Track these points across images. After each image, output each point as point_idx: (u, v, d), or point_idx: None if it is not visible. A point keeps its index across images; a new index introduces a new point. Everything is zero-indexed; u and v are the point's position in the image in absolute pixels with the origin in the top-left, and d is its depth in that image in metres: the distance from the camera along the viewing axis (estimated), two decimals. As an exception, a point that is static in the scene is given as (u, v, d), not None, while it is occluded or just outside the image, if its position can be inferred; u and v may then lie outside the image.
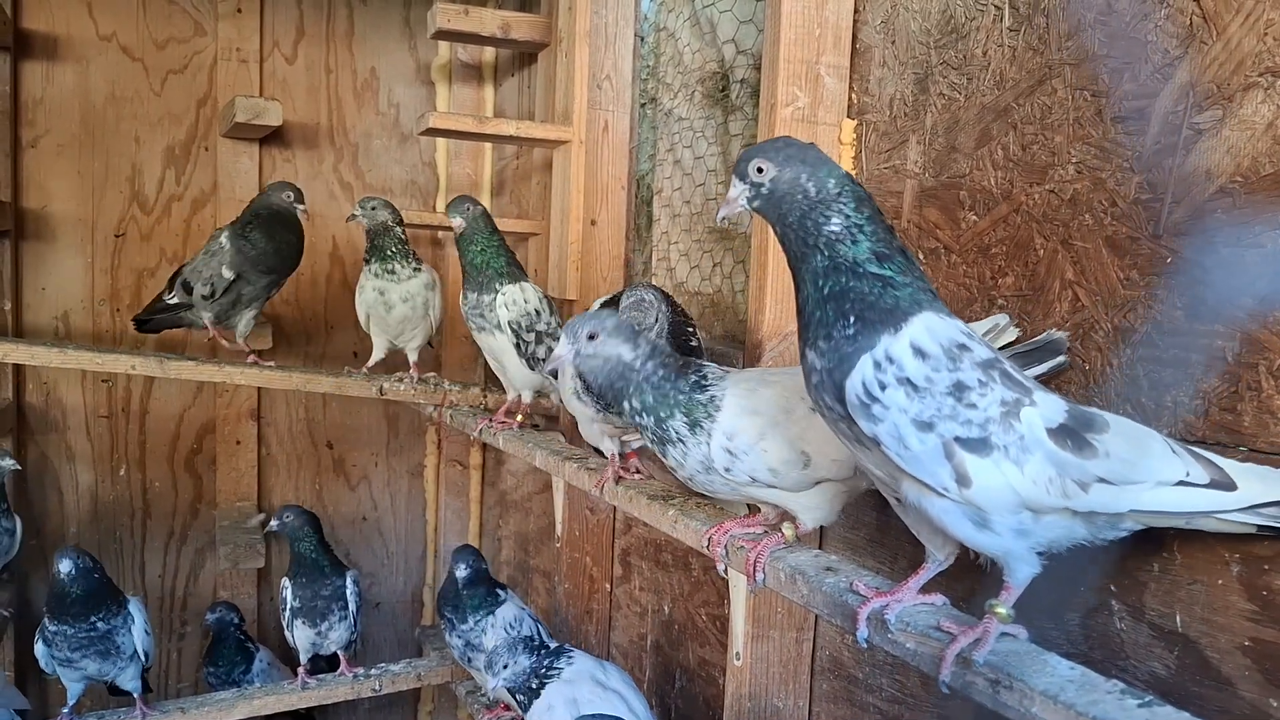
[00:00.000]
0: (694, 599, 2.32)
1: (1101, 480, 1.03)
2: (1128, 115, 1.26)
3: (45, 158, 3.08)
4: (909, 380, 1.01)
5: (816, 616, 1.89)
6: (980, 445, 1.02)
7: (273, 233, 2.60)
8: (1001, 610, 1.06)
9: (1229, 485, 1.03)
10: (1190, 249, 1.18)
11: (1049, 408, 1.04)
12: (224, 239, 2.58)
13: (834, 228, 1.07)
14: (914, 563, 1.62)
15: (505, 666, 1.99)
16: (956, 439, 1.01)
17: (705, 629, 2.28)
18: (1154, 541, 1.20)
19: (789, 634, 1.90)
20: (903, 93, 1.66)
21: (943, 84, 1.57)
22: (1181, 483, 1.04)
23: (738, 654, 1.94)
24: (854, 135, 1.76)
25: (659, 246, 2.54)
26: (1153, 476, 1.04)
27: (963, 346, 1.04)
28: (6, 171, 2.97)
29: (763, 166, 1.11)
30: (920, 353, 1.02)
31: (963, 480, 1.02)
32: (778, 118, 1.75)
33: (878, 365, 1.02)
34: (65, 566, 2.32)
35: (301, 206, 2.63)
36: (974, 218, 1.51)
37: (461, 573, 2.43)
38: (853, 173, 1.77)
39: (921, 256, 1.60)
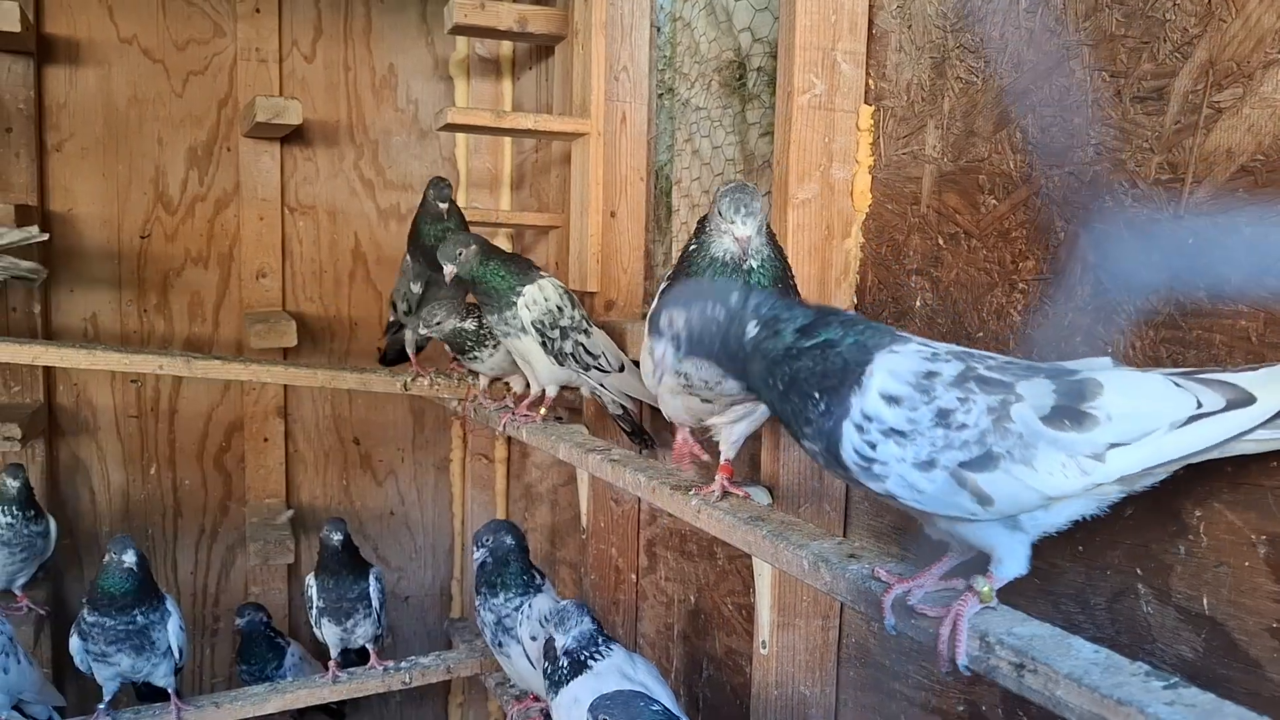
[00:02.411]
0: (720, 588, 2.33)
1: (1114, 445, 1.01)
2: (1147, 95, 1.25)
3: (70, 161, 3.12)
4: (893, 430, 1.02)
5: (842, 604, 1.89)
6: (986, 461, 1.01)
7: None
8: (985, 590, 1.08)
9: (1247, 400, 1.00)
10: (1213, 229, 1.17)
11: (1036, 395, 1.03)
12: (406, 255, 2.65)
13: (753, 332, 1.14)
14: (939, 550, 1.62)
15: (575, 625, 2.00)
16: (961, 464, 1.02)
17: (731, 618, 2.28)
18: (1180, 524, 1.19)
19: (815, 622, 1.90)
20: (920, 78, 1.65)
21: (960, 68, 1.57)
22: (1195, 416, 1.00)
23: (764, 643, 1.95)
24: (871, 121, 1.75)
25: (679, 237, 2.54)
26: (1164, 420, 1.01)
27: (930, 373, 1.05)
28: (33, 176, 3.01)
29: (672, 316, 1.20)
30: (893, 399, 1.03)
31: (984, 500, 1.02)
32: (794, 105, 1.74)
33: (859, 428, 1.04)
34: (130, 557, 2.35)
35: (443, 204, 2.58)
36: (994, 202, 1.50)
37: (477, 555, 2.40)
38: (871, 159, 1.76)
39: (941, 242, 1.60)
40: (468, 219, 3.15)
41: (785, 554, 1.37)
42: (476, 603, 2.47)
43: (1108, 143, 1.30)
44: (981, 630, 1.04)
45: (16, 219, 2.78)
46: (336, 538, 2.67)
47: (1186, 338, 1.20)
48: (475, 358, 2.46)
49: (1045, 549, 1.41)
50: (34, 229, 2.62)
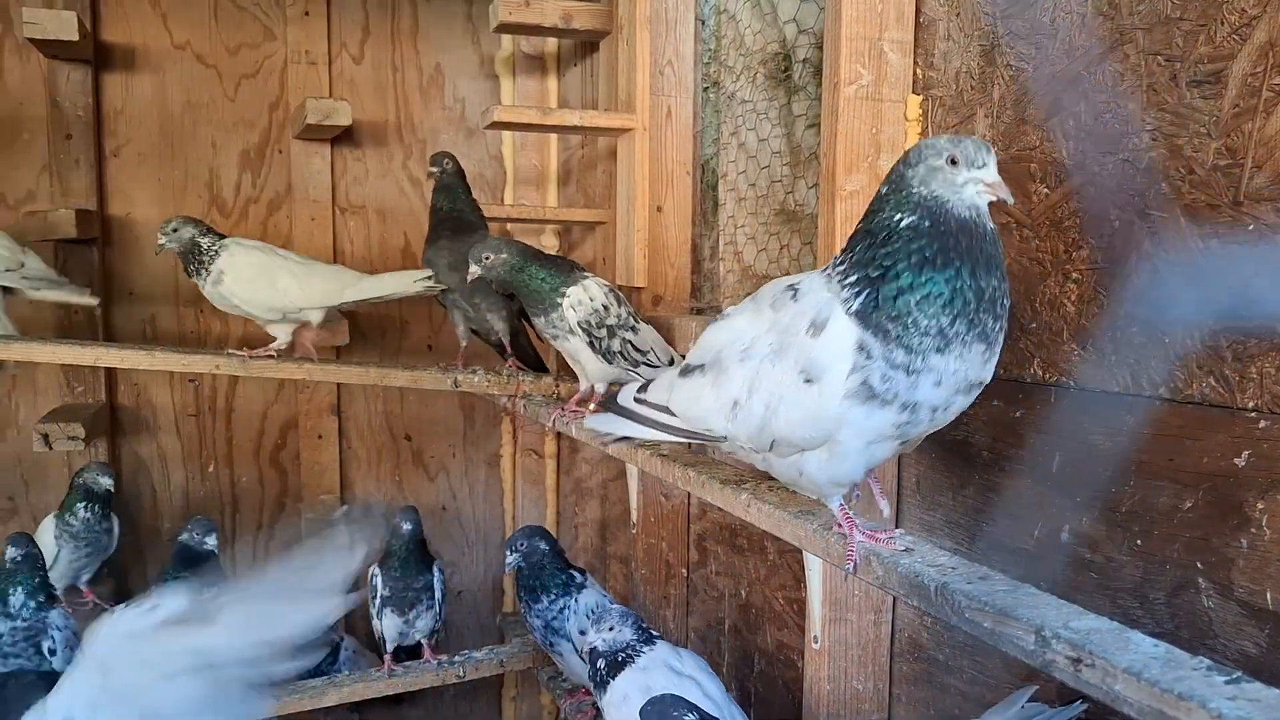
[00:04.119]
0: (770, 583, 2.32)
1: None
2: (1204, 79, 1.22)
3: (128, 166, 3.18)
4: None
5: (894, 598, 1.87)
6: None
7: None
8: None
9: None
10: (1274, 215, 1.15)
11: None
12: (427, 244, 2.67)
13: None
14: (993, 544, 1.60)
15: (611, 629, 2.02)
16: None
17: (783, 613, 2.28)
18: (1242, 516, 1.16)
19: (867, 616, 1.89)
20: (969, 65, 1.63)
21: (1010, 55, 1.54)
22: None
23: (816, 637, 1.94)
24: (919, 111, 1.73)
25: (725, 230, 2.54)
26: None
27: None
28: (92, 181, 3.08)
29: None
30: None
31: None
32: (841, 96, 1.73)
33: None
34: (212, 540, 2.40)
35: (434, 168, 2.63)
36: (1045, 190, 1.48)
37: (509, 559, 2.43)
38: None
39: (992, 232, 1.58)
40: (516, 216, 3.17)
41: (836, 548, 1.36)
42: (522, 609, 2.50)
43: (1164, 128, 1.28)
44: (1037, 624, 1.03)
45: (77, 224, 2.85)
46: (407, 526, 2.71)
47: (1246, 326, 1.17)
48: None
49: (1102, 543, 1.39)
50: (88, 297, 2.82)
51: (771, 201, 2.32)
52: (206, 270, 2.51)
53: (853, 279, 1.20)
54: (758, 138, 2.37)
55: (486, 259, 2.15)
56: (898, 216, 1.18)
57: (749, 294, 2.41)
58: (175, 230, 2.48)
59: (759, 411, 1.31)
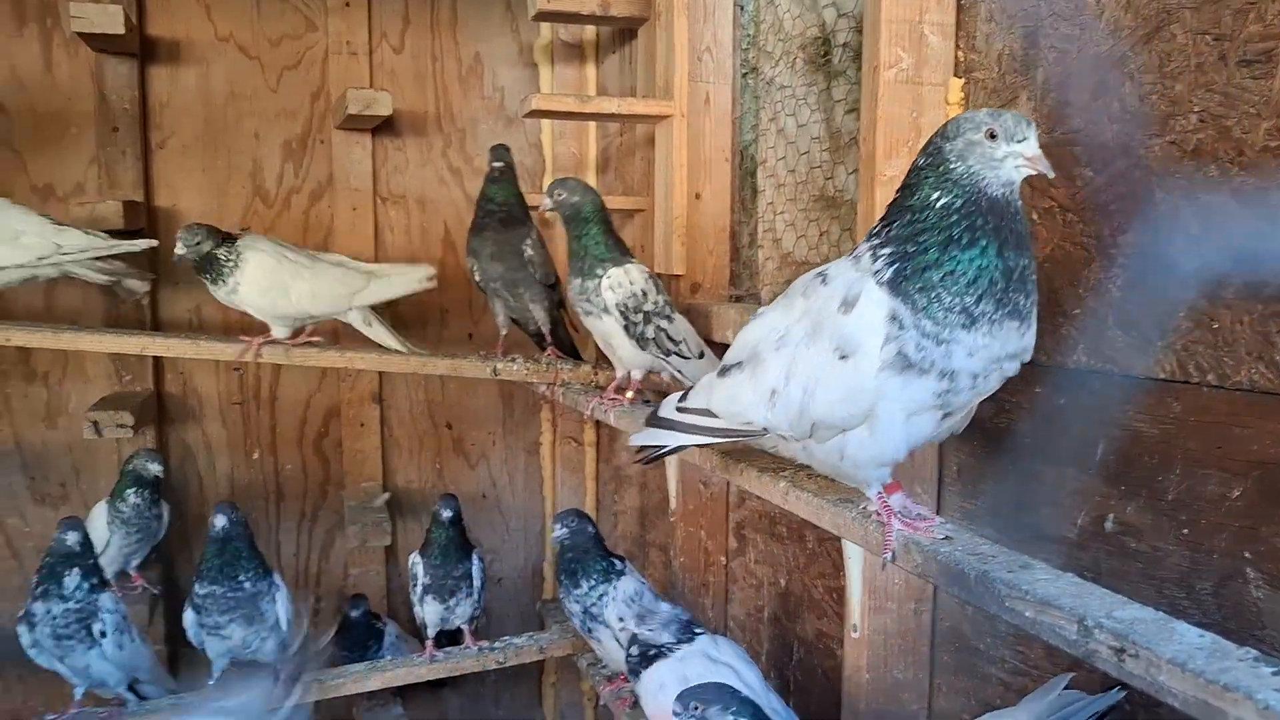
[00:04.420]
0: (810, 571, 2.31)
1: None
2: (1254, 59, 1.19)
3: (173, 158, 3.23)
4: None
5: (935, 587, 1.86)
6: None
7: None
8: None
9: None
10: (1326, 196, 1.12)
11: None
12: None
13: None
14: (1035, 532, 1.58)
15: (651, 631, 2.04)
16: None
17: (822, 601, 2.27)
18: (1291, 506, 1.14)
19: (907, 605, 1.88)
20: (1011, 48, 1.60)
21: (1054, 36, 1.52)
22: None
23: (855, 626, 1.93)
24: (961, 95, 1.71)
25: (764, 217, 2.52)
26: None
27: None
28: (139, 173, 3.12)
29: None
30: None
31: None
32: (881, 80, 1.71)
33: None
34: (220, 520, 2.46)
35: (498, 164, 2.68)
36: (1090, 174, 1.45)
37: (558, 532, 2.45)
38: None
39: (1035, 217, 1.55)
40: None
41: (875, 536, 1.35)
42: (561, 594, 2.51)
43: (1212, 109, 1.25)
44: (1080, 614, 1.02)
45: (124, 215, 2.89)
46: (447, 514, 2.73)
47: (1298, 311, 1.15)
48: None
49: (1147, 532, 1.37)
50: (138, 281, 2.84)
51: (811, 188, 2.30)
52: (224, 281, 2.58)
53: (886, 251, 1.21)
54: (797, 123, 2.35)
55: (559, 195, 2.19)
56: (933, 194, 1.18)
57: (788, 281, 2.41)
58: (198, 243, 2.53)
59: (797, 396, 1.31)
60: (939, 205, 1.17)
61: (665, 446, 1.60)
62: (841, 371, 1.23)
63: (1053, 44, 1.52)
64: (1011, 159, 1.15)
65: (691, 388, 1.59)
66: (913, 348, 1.16)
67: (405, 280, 2.82)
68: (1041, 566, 1.16)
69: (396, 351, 2.80)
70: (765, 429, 1.40)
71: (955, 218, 1.16)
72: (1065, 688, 1.43)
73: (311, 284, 2.65)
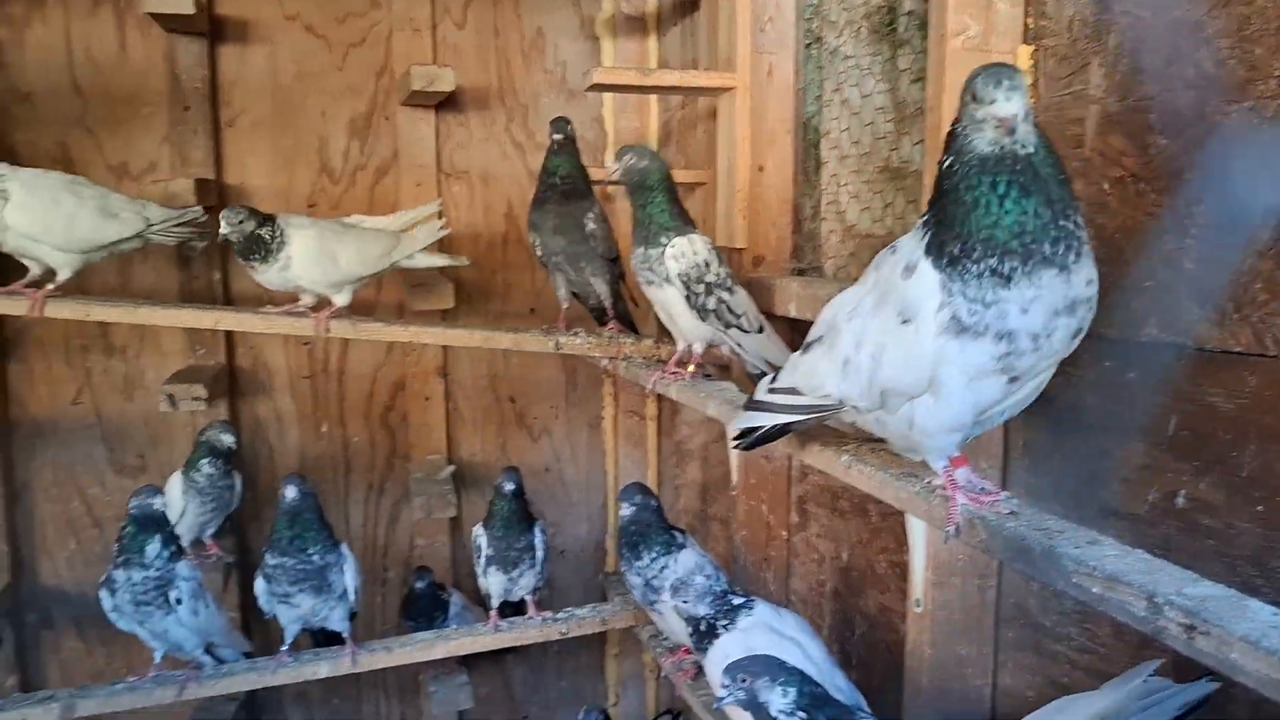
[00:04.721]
0: (873, 546, 2.30)
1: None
2: (1339, 19, 1.15)
3: (242, 136, 3.29)
4: None
5: (1000, 563, 1.84)
6: None
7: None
8: None
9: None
10: None
11: None
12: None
13: None
14: (1104, 509, 1.56)
15: (685, 603, 2.05)
16: None
17: (885, 576, 2.26)
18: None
19: (972, 581, 1.86)
20: (1083, 13, 1.56)
21: (1127, 0, 1.47)
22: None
23: (918, 601, 1.92)
24: (1030, 62, 1.67)
25: (828, 190, 2.50)
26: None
27: None
28: (210, 151, 3.19)
29: None
30: None
31: None
32: (948, 49, 1.68)
33: None
34: (290, 493, 2.52)
35: (558, 136, 2.65)
36: (1164, 142, 1.42)
37: (625, 511, 2.47)
38: (1030, 101, 1.68)
39: (1106, 187, 1.52)
40: (617, 180, 3.17)
41: (938, 511, 1.34)
42: (622, 566, 2.53)
43: (1294, 73, 1.21)
44: (1149, 590, 1.00)
45: (196, 193, 2.96)
46: (509, 487, 2.76)
47: (1383, 282, 1.11)
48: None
49: (1220, 509, 1.34)
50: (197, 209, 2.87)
51: (875, 159, 2.27)
52: (275, 257, 2.58)
53: (922, 220, 1.24)
54: (861, 94, 2.32)
55: (628, 160, 2.19)
56: (945, 160, 1.20)
57: (852, 254, 2.39)
58: (241, 223, 2.55)
59: (867, 364, 1.31)
60: (946, 170, 1.19)
61: (760, 429, 1.60)
62: (904, 336, 1.23)
63: (1126, 8, 1.48)
64: (989, 121, 1.13)
65: (780, 370, 1.59)
66: (965, 312, 1.16)
67: (427, 230, 2.87)
68: (1110, 542, 1.14)
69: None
70: (841, 401, 1.40)
71: (958, 181, 1.16)
72: (1152, 675, 1.39)
73: (356, 247, 2.69)
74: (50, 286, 2.58)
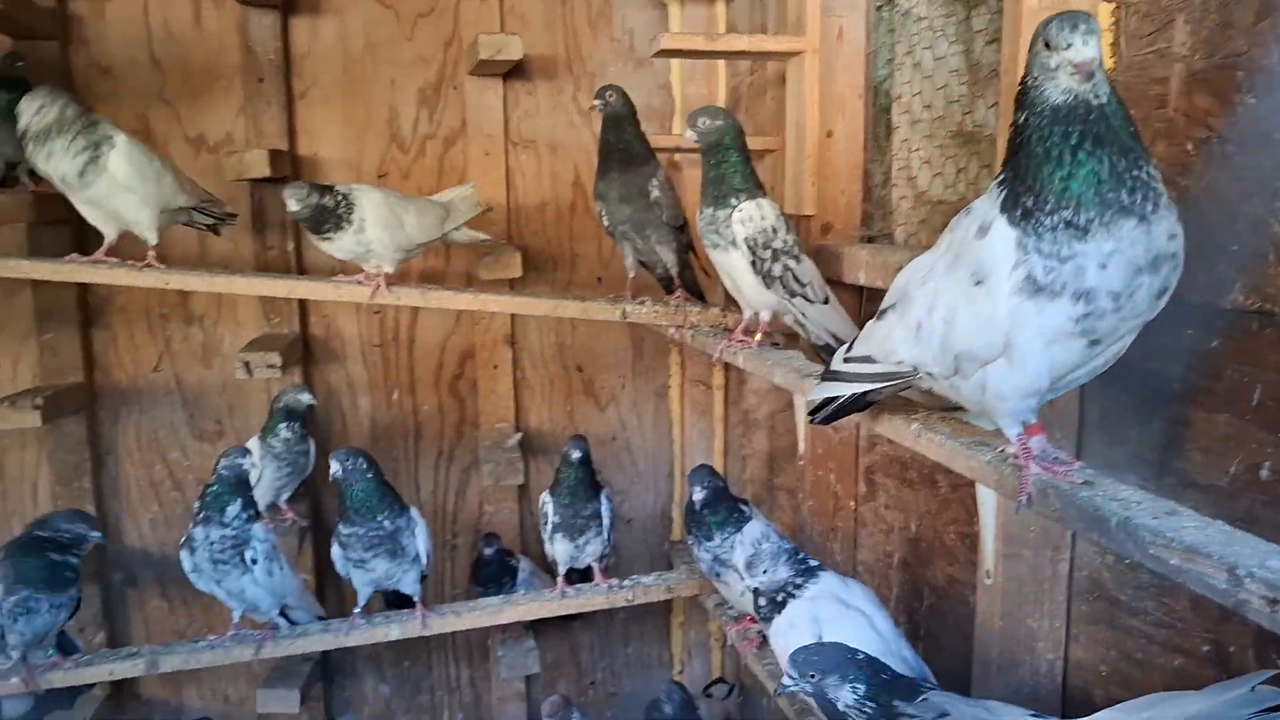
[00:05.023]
0: (942, 517, 2.28)
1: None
2: None
3: (314, 107, 3.33)
4: None
5: (1074, 534, 1.81)
6: None
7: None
8: None
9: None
10: None
11: None
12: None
13: None
14: (1183, 480, 1.52)
15: (764, 572, 2.04)
16: None
17: (954, 547, 2.23)
18: None
19: (1044, 553, 1.83)
20: (1168, -33, 1.50)
21: (1216, -48, 1.42)
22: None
23: (988, 573, 1.90)
24: (1111, 20, 1.62)
25: (899, 155, 2.45)
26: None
27: None
28: (283, 122, 3.23)
29: None
30: None
31: None
32: (1024, 8, 1.63)
33: None
34: (334, 468, 2.56)
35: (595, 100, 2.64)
36: (1252, 101, 1.36)
37: (697, 495, 2.48)
38: (1110, 61, 1.63)
39: (1190, 148, 1.47)
40: (684, 146, 3.14)
41: (1010, 480, 1.32)
42: (690, 542, 2.55)
43: (1395, 25, 1.15)
44: (1230, 562, 0.97)
45: (271, 164, 3.01)
46: (576, 454, 2.78)
47: None
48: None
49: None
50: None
51: (948, 123, 2.23)
52: (348, 222, 2.60)
53: (997, 180, 1.21)
54: (934, 56, 2.27)
55: (703, 123, 2.18)
56: (1019, 115, 1.17)
57: (923, 220, 2.35)
58: (307, 196, 2.57)
59: (939, 328, 1.30)
60: (1019, 124, 1.17)
61: (837, 400, 1.59)
62: (977, 298, 1.21)
63: (1215, -39, 1.42)
64: (1064, 68, 1.10)
65: (855, 339, 1.58)
66: (1040, 270, 1.13)
67: (466, 204, 2.94)
68: (1189, 513, 1.11)
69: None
70: (914, 368, 1.38)
71: (1030, 135, 1.15)
72: (1261, 683, 1.25)
73: (416, 213, 2.74)
74: (152, 254, 2.69)
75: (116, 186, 2.58)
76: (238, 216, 3.06)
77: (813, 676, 1.58)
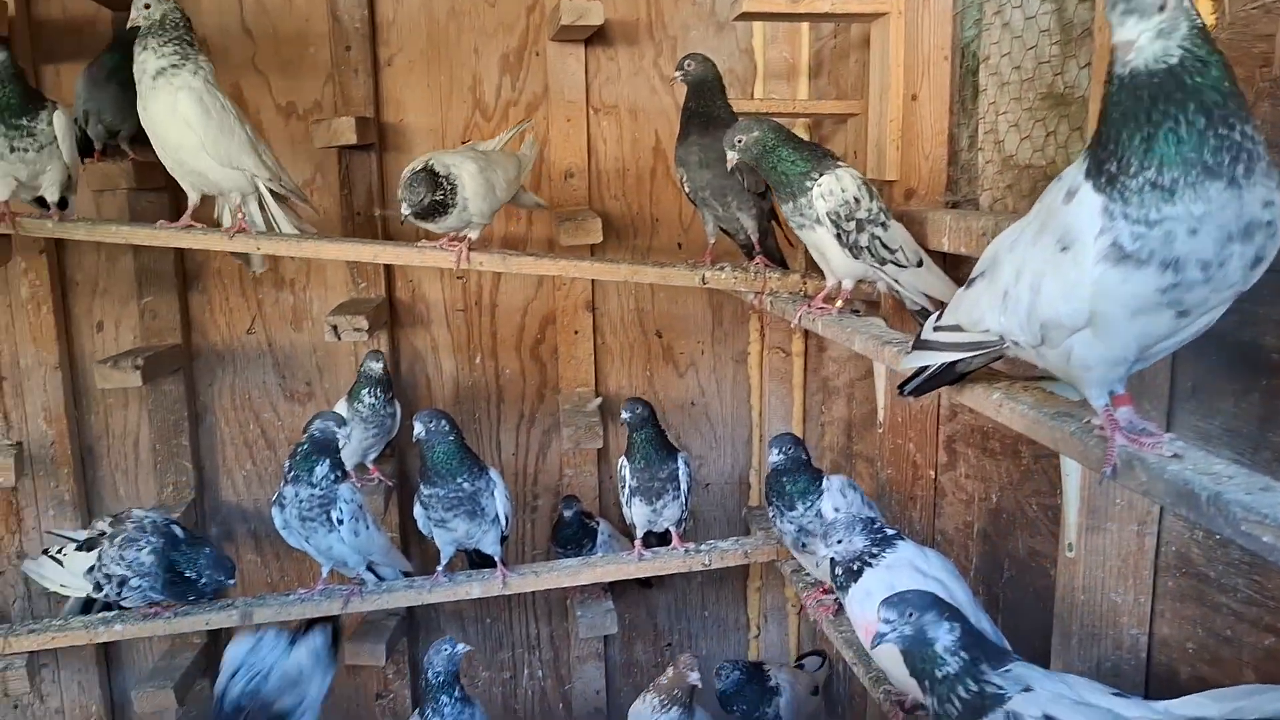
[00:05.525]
0: (1024, 488, 2.24)
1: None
2: None
3: (399, 74, 3.37)
4: None
5: (1161, 508, 1.77)
6: None
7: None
8: None
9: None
10: None
11: None
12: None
13: None
14: (1278, 454, 1.47)
15: (839, 542, 2.02)
16: None
17: (1036, 519, 2.20)
18: None
19: (1129, 527, 1.80)
20: (1276, -81, 1.44)
21: (1328, -97, 1.35)
22: None
23: (1070, 545, 1.87)
24: (1213, -25, 1.56)
25: (985, 118, 2.39)
26: None
27: None
28: (370, 90, 3.29)
29: None
30: None
31: None
32: (1120, -36, 1.57)
33: None
34: (418, 428, 2.61)
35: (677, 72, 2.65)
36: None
37: (774, 458, 2.46)
38: (1211, 19, 1.57)
39: (1252, 95, 1.40)
40: (766, 110, 3.11)
41: (1095, 451, 1.29)
42: (771, 514, 2.54)
43: None
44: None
45: (357, 131, 3.06)
46: (625, 416, 2.78)
47: None
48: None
49: None
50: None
51: (1038, 85, 2.16)
52: (453, 205, 2.62)
53: (1087, 148, 1.19)
54: (1024, 15, 2.20)
55: (739, 141, 2.16)
56: (1107, 79, 1.14)
57: (1010, 185, 2.29)
58: (422, 199, 2.58)
59: (1026, 296, 1.28)
60: (1106, 93, 1.14)
61: (926, 370, 1.57)
62: (1062, 264, 1.19)
63: (1327, -88, 1.35)
64: (1147, 34, 1.08)
65: (945, 307, 1.56)
66: (1127, 237, 1.10)
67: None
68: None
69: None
70: (1001, 336, 1.36)
71: (1109, 102, 1.13)
72: None
73: (501, 173, 2.77)
74: (240, 217, 2.73)
75: (176, 117, 2.57)
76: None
77: (911, 615, 1.55)
